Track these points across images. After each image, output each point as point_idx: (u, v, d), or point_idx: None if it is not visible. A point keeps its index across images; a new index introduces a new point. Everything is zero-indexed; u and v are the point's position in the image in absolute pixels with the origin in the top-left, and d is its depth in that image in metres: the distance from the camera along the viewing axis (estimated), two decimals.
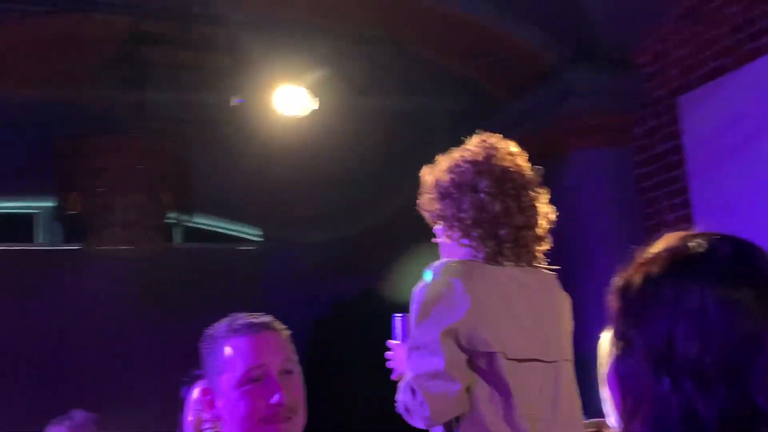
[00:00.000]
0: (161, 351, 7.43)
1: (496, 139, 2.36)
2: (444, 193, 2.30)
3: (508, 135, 2.44)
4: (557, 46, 5.54)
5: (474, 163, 2.28)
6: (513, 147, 2.37)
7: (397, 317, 2.43)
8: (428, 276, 2.22)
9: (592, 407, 2.05)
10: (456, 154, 2.34)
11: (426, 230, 2.47)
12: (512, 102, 5.81)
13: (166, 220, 6.42)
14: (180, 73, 5.77)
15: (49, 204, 6.23)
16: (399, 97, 5.85)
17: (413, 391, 2.13)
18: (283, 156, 6.46)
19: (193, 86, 5.74)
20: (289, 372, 1.75)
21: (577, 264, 5.20)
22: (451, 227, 2.29)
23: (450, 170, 2.30)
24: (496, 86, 5.90)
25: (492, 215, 2.22)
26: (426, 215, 2.38)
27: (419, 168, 2.47)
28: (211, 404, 1.76)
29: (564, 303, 2.38)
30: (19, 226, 7.67)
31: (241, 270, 8.05)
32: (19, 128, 6.68)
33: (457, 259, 2.25)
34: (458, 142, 2.43)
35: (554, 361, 2.25)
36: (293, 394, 1.72)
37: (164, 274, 7.53)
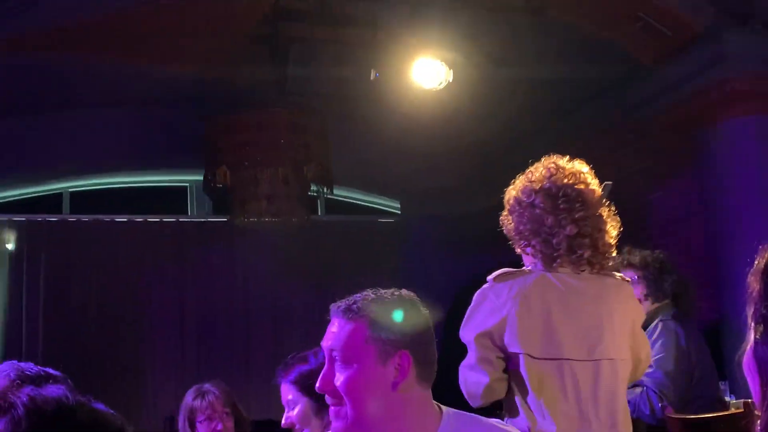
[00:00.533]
0: (303, 320, 7.65)
1: (561, 160, 2.69)
2: (511, 210, 2.68)
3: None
4: (708, 9, 5.26)
5: (533, 182, 2.65)
6: (578, 166, 2.69)
7: None
8: (487, 282, 2.60)
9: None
10: (525, 174, 2.70)
11: None
12: (659, 69, 5.57)
13: (309, 193, 6.56)
14: (320, 48, 5.86)
15: (200, 178, 6.50)
16: (538, 66, 5.72)
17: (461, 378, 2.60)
18: (421, 128, 6.46)
19: (334, 61, 5.82)
20: None
21: (727, 237, 4.97)
22: (518, 239, 2.66)
23: (517, 189, 2.68)
24: (642, 52, 5.66)
25: (546, 227, 2.57)
26: (504, 230, 2.74)
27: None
28: None
29: (624, 307, 2.64)
30: (173, 199, 8.07)
31: (380, 242, 8.15)
32: (175, 104, 7.01)
33: (509, 269, 2.61)
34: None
35: (596, 360, 2.51)
36: None
37: (307, 245, 7.74)
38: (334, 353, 1.73)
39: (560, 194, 2.62)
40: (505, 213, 2.74)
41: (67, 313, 7.27)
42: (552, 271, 2.59)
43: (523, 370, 2.50)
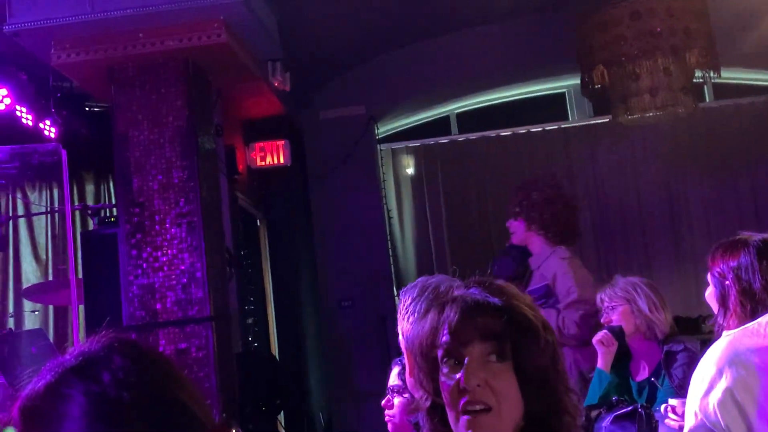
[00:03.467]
0: (703, 214, 7.31)
1: None
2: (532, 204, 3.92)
3: None
4: None
5: None
6: None
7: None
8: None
9: None
10: None
11: None
12: None
13: (694, 80, 6.18)
14: None
15: (577, 81, 6.45)
16: None
17: None
18: None
19: None
20: None
21: None
22: None
23: None
24: None
25: None
26: None
27: None
28: None
29: None
30: (553, 106, 8.12)
31: None
32: (542, 11, 7.00)
33: None
34: None
35: None
36: None
37: (697, 136, 7.33)
38: None
39: None
40: None
41: (468, 226, 7.75)
42: None
43: None
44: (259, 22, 5.21)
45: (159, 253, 4.80)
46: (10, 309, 6.63)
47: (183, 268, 4.78)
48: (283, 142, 6.89)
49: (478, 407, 1.42)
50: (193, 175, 4.90)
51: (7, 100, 6.05)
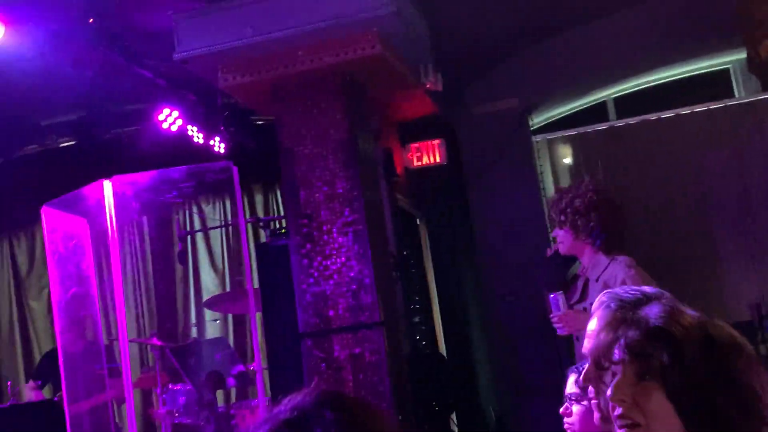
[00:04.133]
0: None
1: None
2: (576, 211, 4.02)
3: None
4: None
5: None
6: None
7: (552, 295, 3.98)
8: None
9: None
10: None
11: None
12: None
13: None
14: None
15: (742, 56, 6.15)
16: None
17: None
18: None
19: None
20: None
21: None
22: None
23: None
24: None
25: None
26: None
27: None
28: None
29: None
30: (716, 84, 7.76)
31: None
32: None
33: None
34: None
35: None
36: None
37: None
38: None
39: None
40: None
41: (630, 215, 7.52)
42: None
43: None
44: (411, 29, 5.29)
45: (329, 262, 4.98)
46: (193, 319, 7.06)
47: (352, 275, 4.94)
48: (438, 141, 6.96)
49: (628, 422, 1.47)
50: (355, 185, 5.05)
51: (179, 122, 6.45)
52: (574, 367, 2.73)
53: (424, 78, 6.02)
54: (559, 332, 4.05)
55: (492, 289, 7.44)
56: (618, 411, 1.48)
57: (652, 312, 1.52)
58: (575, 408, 2.67)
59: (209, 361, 5.58)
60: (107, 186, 5.54)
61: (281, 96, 5.21)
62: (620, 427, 1.48)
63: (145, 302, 7.14)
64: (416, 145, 6.94)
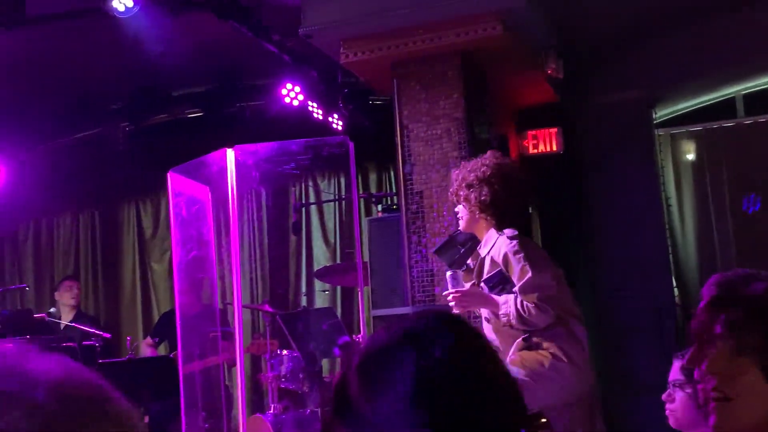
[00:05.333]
0: None
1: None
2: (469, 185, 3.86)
3: None
4: None
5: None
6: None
7: (449, 273, 3.90)
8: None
9: None
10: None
11: None
12: None
13: None
14: None
15: None
16: None
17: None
18: None
19: None
20: None
21: None
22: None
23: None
24: None
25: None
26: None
27: None
28: None
29: None
30: None
31: None
32: None
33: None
34: None
35: None
36: None
37: None
38: None
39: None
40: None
41: (755, 216, 7.26)
42: None
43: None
44: (535, 12, 5.25)
45: (437, 240, 5.02)
46: (303, 288, 7.24)
47: None
48: (555, 129, 6.89)
49: (720, 395, 1.49)
50: None
51: (300, 97, 6.63)
52: (679, 353, 2.70)
53: (545, 64, 5.97)
54: (453, 310, 3.84)
55: (605, 284, 7.31)
56: (711, 383, 1.49)
57: (755, 290, 1.52)
58: (678, 394, 2.64)
59: (317, 330, 5.73)
60: (230, 154, 5.76)
61: (400, 74, 5.28)
62: (712, 400, 1.50)
63: (258, 269, 7.38)
64: (533, 132, 6.88)
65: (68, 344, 5.81)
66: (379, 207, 5.49)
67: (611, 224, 7.36)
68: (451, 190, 4.03)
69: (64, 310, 6.96)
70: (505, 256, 3.79)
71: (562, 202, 7.24)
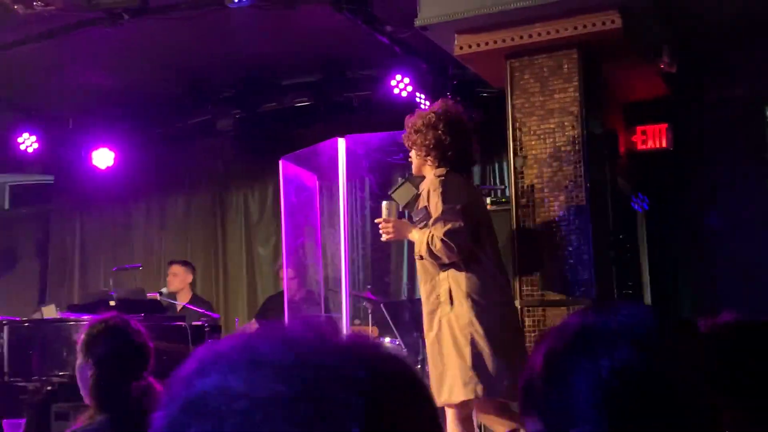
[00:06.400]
0: None
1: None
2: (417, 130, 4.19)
3: None
4: None
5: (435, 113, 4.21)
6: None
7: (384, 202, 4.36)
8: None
9: None
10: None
11: None
12: None
13: None
14: None
15: None
16: None
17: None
18: None
19: None
20: None
21: None
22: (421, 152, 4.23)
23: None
24: None
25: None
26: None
27: None
28: None
29: None
30: None
31: None
32: None
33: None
34: None
35: None
36: None
37: None
38: None
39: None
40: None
41: None
42: None
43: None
44: (651, 5, 5.15)
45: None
46: (404, 278, 7.31)
47: (570, 249, 4.94)
48: (665, 125, 6.75)
49: None
50: (581, 160, 5.03)
51: (409, 88, 6.68)
52: None
53: (658, 58, 5.85)
54: (382, 238, 4.33)
55: (710, 287, 7.14)
56: None
57: None
58: None
59: (418, 319, 5.78)
60: (341, 143, 5.88)
61: (514, 67, 5.26)
62: None
63: (362, 257, 7.48)
64: (642, 128, 6.76)
65: (179, 323, 6.04)
66: (488, 200, 5.48)
67: (719, 224, 7.17)
68: (403, 135, 4.35)
69: (181, 294, 7.21)
70: (428, 193, 4.09)
71: (670, 200, 7.10)
